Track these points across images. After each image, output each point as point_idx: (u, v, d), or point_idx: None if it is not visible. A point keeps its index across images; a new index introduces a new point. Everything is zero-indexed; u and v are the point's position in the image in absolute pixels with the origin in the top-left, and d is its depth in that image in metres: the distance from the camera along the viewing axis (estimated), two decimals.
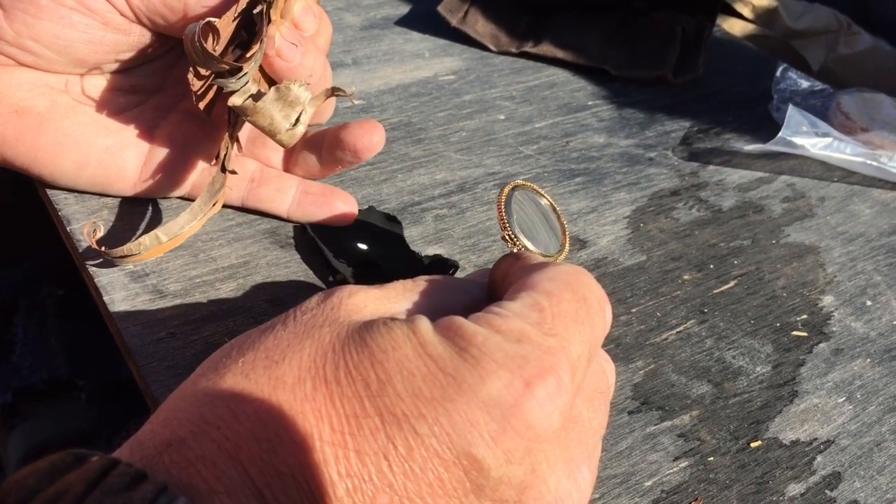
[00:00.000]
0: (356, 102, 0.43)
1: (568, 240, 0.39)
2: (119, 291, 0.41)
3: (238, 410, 0.25)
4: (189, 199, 0.47)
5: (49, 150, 0.42)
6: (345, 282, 0.44)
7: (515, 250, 0.35)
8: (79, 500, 0.21)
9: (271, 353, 0.27)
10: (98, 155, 0.43)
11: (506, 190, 0.36)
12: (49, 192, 0.45)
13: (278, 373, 0.26)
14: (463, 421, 0.24)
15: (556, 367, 0.26)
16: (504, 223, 0.35)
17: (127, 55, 0.42)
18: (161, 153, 0.45)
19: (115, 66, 0.43)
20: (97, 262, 0.42)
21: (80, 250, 0.43)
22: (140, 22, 0.41)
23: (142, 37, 0.42)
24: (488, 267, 0.36)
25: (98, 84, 0.44)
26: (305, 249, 0.46)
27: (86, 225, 0.43)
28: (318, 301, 0.29)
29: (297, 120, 0.40)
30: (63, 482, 0.21)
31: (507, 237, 0.35)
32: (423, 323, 0.27)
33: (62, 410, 0.75)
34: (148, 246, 0.40)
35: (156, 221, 0.46)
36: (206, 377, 0.27)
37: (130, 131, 0.44)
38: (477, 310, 0.29)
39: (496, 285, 0.33)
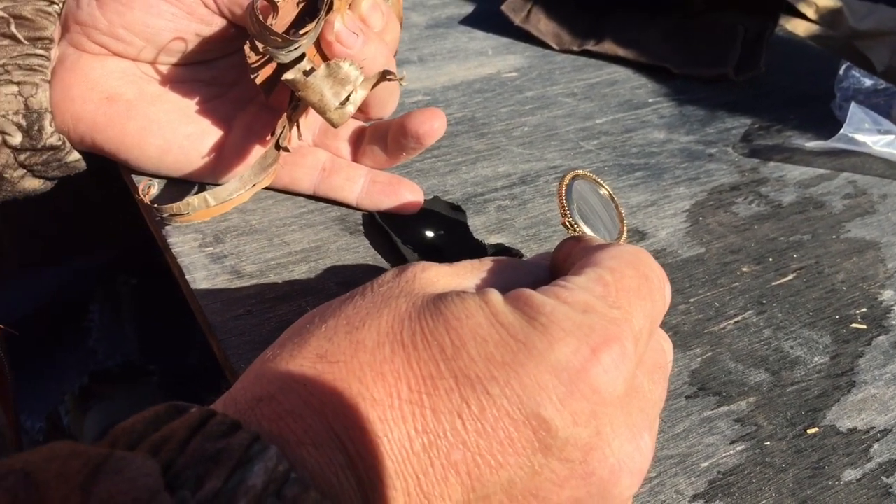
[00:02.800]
0: (404, 84, 0.44)
1: (626, 228, 0.40)
2: (200, 271, 0.44)
3: (323, 370, 0.27)
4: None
5: (136, 135, 0.45)
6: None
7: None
8: (182, 444, 0.23)
9: (352, 320, 0.28)
10: (180, 141, 0.46)
11: (566, 179, 0.37)
12: (133, 176, 0.48)
13: (359, 337, 0.28)
14: (533, 384, 0.26)
15: (621, 336, 0.27)
16: (564, 210, 0.36)
17: (209, 46, 0.45)
18: (238, 141, 0.47)
19: (198, 56, 0.45)
20: (165, 227, 0.45)
21: (163, 230, 0.45)
22: (221, 13, 0.43)
23: (222, 28, 0.44)
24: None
25: (182, 74, 0.46)
26: (374, 235, 0.48)
27: (141, 182, 0.46)
28: (394, 275, 0.31)
29: (347, 99, 0.41)
30: (168, 429, 0.23)
31: (567, 224, 0.36)
32: (494, 294, 0.28)
33: (135, 393, 0.78)
34: (196, 207, 0.43)
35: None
36: (291, 340, 0.29)
37: (210, 120, 0.47)
38: None
39: (558, 266, 0.35)
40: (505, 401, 0.26)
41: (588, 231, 0.36)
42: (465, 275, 0.32)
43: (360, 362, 0.27)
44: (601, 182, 0.40)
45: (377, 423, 0.26)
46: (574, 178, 0.38)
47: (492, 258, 0.34)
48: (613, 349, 0.27)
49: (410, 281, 0.30)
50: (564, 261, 0.34)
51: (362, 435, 0.25)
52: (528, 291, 0.28)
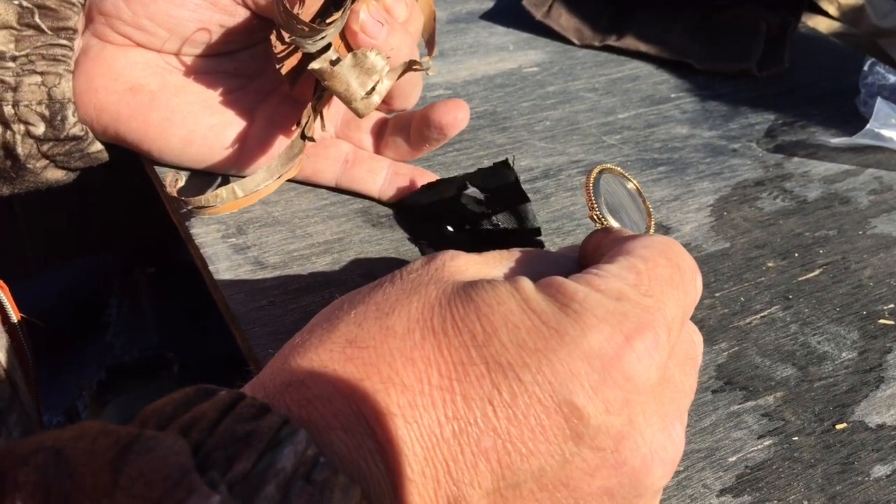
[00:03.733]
0: (430, 74, 0.44)
1: (653, 223, 0.40)
2: (223, 262, 0.43)
3: (353, 355, 0.27)
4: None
5: (159, 126, 0.45)
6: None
7: None
8: (213, 425, 0.23)
9: (381, 306, 0.28)
10: (203, 132, 0.46)
11: (593, 173, 0.37)
12: (157, 168, 0.48)
13: (389, 323, 0.27)
14: (565, 371, 0.25)
15: (654, 324, 0.27)
16: (592, 204, 0.36)
17: (232, 37, 0.45)
18: (261, 132, 0.47)
19: (221, 47, 0.45)
20: (189, 220, 0.45)
21: (187, 222, 0.45)
22: (245, 4, 0.43)
23: (246, 19, 0.44)
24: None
25: (205, 65, 0.46)
26: (396, 224, 0.48)
27: (168, 175, 0.45)
28: (423, 263, 0.31)
29: (373, 89, 0.41)
30: (197, 410, 0.23)
31: (595, 217, 0.36)
32: (526, 282, 0.28)
33: (153, 387, 0.78)
34: (224, 199, 0.42)
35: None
36: (320, 326, 0.29)
37: (233, 111, 0.46)
38: None
39: (587, 258, 0.34)
40: (537, 388, 0.25)
41: (616, 224, 0.36)
42: (493, 264, 0.32)
43: (390, 348, 0.27)
44: (628, 176, 0.40)
45: (407, 409, 0.25)
46: (601, 171, 0.38)
47: (520, 249, 0.34)
48: (647, 337, 0.27)
49: (440, 269, 0.30)
50: (594, 252, 0.34)
51: (391, 421, 0.25)
52: (560, 279, 0.28)
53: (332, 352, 0.27)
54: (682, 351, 0.30)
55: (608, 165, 0.38)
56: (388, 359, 0.26)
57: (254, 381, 0.27)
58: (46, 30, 0.43)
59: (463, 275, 0.30)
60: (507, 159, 0.44)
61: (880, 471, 0.39)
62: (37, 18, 0.43)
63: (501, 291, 0.27)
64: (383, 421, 0.25)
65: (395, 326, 0.27)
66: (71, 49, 0.44)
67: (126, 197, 0.70)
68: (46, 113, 0.43)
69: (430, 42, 0.51)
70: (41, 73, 0.43)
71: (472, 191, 0.47)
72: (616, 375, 0.26)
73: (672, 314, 0.28)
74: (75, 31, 0.44)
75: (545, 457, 0.26)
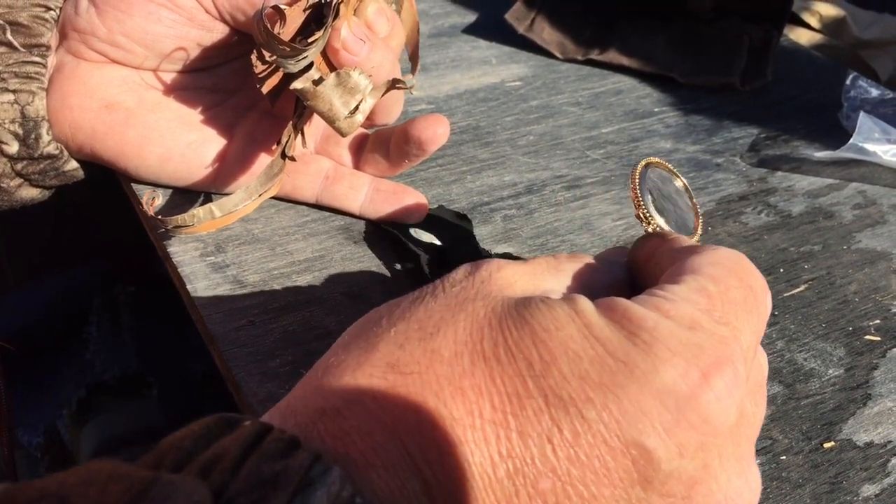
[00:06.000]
0: (414, 93, 0.43)
1: (700, 223, 0.37)
2: (201, 281, 0.43)
3: (395, 381, 0.24)
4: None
5: (136, 143, 0.44)
6: (419, 270, 0.45)
7: (650, 230, 0.34)
8: (236, 464, 0.21)
9: (424, 325, 0.26)
10: (181, 149, 0.45)
11: (639, 168, 0.35)
12: (134, 185, 0.47)
13: (433, 345, 0.25)
14: (634, 409, 0.23)
15: (732, 357, 0.25)
16: (639, 202, 0.34)
17: (210, 53, 0.44)
18: (240, 149, 0.46)
19: (199, 63, 0.45)
20: (167, 238, 0.44)
21: (164, 241, 0.44)
22: (223, 19, 0.42)
23: (224, 35, 0.43)
24: None
25: (182, 81, 0.45)
26: (377, 243, 0.47)
27: (145, 193, 0.44)
28: (466, 273, 0.29)
29: (357, 108, 0.40)
30: (219, 446, 0.21)
31: (641, 216, 0.34)
32: (586, 304, 0.26)
33: (134, 407, 0.77)
34: (202, 219, 0.42)
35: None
36: (357, 345, 0.26)
37: (212, 128, 0.46)
38: (619, 290, 0.28)
39: (640, 266, 0.32)
40: (602, 426, 0.23)
41: (664, 225, 0.34)
42: (541, 274, 0.30)
43: (437, 374, 0.24)
44: (675, 172, 0.37)
45: (457, 445, 0.23)
46: (647, 166, 0.35)
47: (566, 255, 0.31)
48: (726, 373, 0.24)
49: (486, 281, 0.28)
50: (647, 260, 0.31)
51: (441, 458, 0.23)
52: (625, 302, 0.26)
53: (372, 376, 0.25)
54: (753, 379, 0.27)
55: (654, 159, 0.36)
56: (435, 387, 0.24)
57: (283, 406, 0.25)
58: (19, 47, 0.42)
59: (511, 288, 0.28)
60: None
61: (869, 490, 0.39)
62: (8, 35, 0.42)
63: (559, 314, 0.25)
64: (429, 458, 0.23)
65: (441, 349, 0.25)
66: (44, 66, 0.43)
67: (106, 212, 0.69)
68: (20, 131, 0.42)
69: (413, 56, 0.50)
70: (14, 91, 0.42)
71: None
72: (692, 416, 0.24)
73: (748, 343, 0.26)
74: (49, 47, 0.43)
75: (609, 501, 0.23)
